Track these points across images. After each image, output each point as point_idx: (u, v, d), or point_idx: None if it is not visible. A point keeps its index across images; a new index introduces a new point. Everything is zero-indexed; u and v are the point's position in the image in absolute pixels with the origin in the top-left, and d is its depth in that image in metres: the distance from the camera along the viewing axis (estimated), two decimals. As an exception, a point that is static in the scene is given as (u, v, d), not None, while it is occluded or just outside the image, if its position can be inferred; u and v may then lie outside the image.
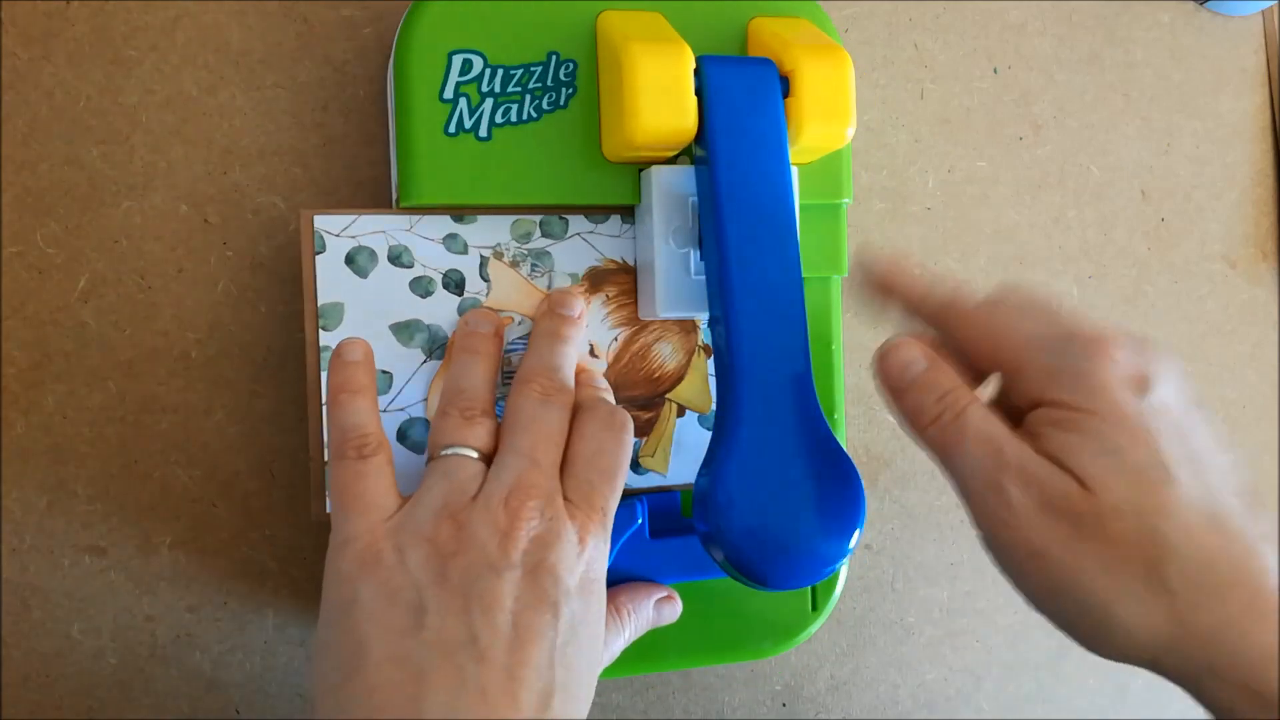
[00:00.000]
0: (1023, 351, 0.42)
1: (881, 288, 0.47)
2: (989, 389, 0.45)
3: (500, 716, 0.38)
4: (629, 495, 0.51)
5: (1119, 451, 0.39)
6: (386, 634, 0.39)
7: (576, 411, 0.47)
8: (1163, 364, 0.41)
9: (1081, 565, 0.39)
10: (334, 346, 0.47)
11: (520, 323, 0.50)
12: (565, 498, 0.43)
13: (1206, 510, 0.38)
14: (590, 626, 0.42)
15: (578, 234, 0.50)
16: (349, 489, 0.42)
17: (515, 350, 0.49)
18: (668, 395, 0.52)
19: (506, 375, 0.49)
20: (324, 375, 0.47)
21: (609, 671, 0.52)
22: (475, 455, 0.43)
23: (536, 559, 0.41)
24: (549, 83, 0.48)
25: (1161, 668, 0.39)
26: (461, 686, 0.38)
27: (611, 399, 0.50)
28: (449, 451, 0.43)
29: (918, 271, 0.46)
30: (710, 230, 0.47)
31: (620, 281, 0.51)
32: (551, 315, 0.48)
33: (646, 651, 0.52)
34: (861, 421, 0.61)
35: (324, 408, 0.46)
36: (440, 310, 0.49)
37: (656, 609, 0.50)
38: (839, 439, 0.54)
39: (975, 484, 0.41)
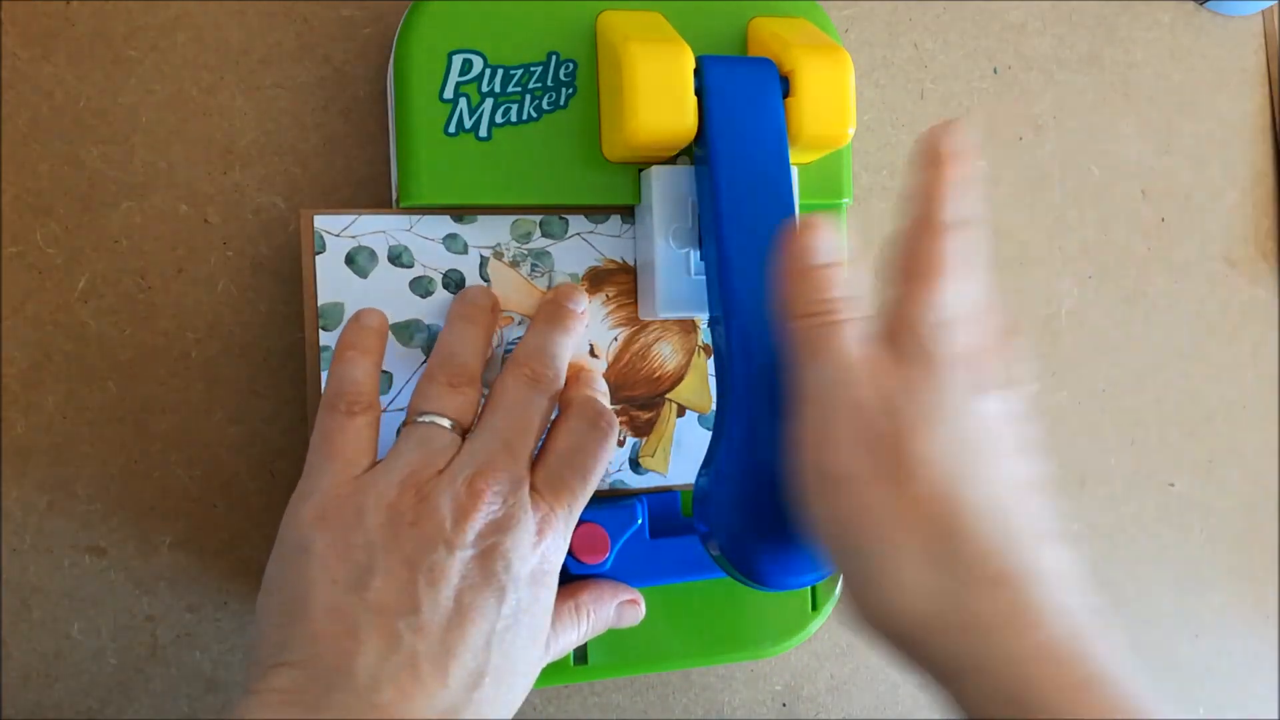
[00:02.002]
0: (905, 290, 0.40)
1: (928, 162, 0.42)
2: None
3: (426, 687, 0.39)
4: (629, 495, 0.52)
5: (947, 418, 0.38)
6: (332, 586, 0.40)
7: (566, 406, 0.47)
8: (1018, 388, 0.41)
9: (877, 509, 0.37)
10: (333, 347, 0.47)
11: (520, 322, 0.50)
12: (533, 488, 0.43)
13: (1006, 509, 0.38)
14: (535, 618, 0.42)
15: (578, 234, 0.50)
16: (329, 439, 0.43)
17: (512, 350, 0.49)
18: (668, 395, 0.52)
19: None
20: (324, 375, 0.47)
21: (608, 671, 0.52)
22: (451, 426, 0.44)
23: (490, 542, 0.41)
24: (549, 83, 0.48)
25: (919, 651, 0.38)
26: (394, 651, 0.39)
27: (608, 402, 0.50)
28: (426, 419, 0.44)
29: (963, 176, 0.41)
30: (710, 230, 0.47)
31: (620, 281, 0.51)
32: (555, 304, 0.48)
33: (647, 651, 0.52)
34: (861, 421, 0.61)
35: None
36: (440, 310, 0.49)
37: (618, 611, 0.50)
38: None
39: (814, 398, 0.40)
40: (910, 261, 0.40)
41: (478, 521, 0.41)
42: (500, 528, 0.42)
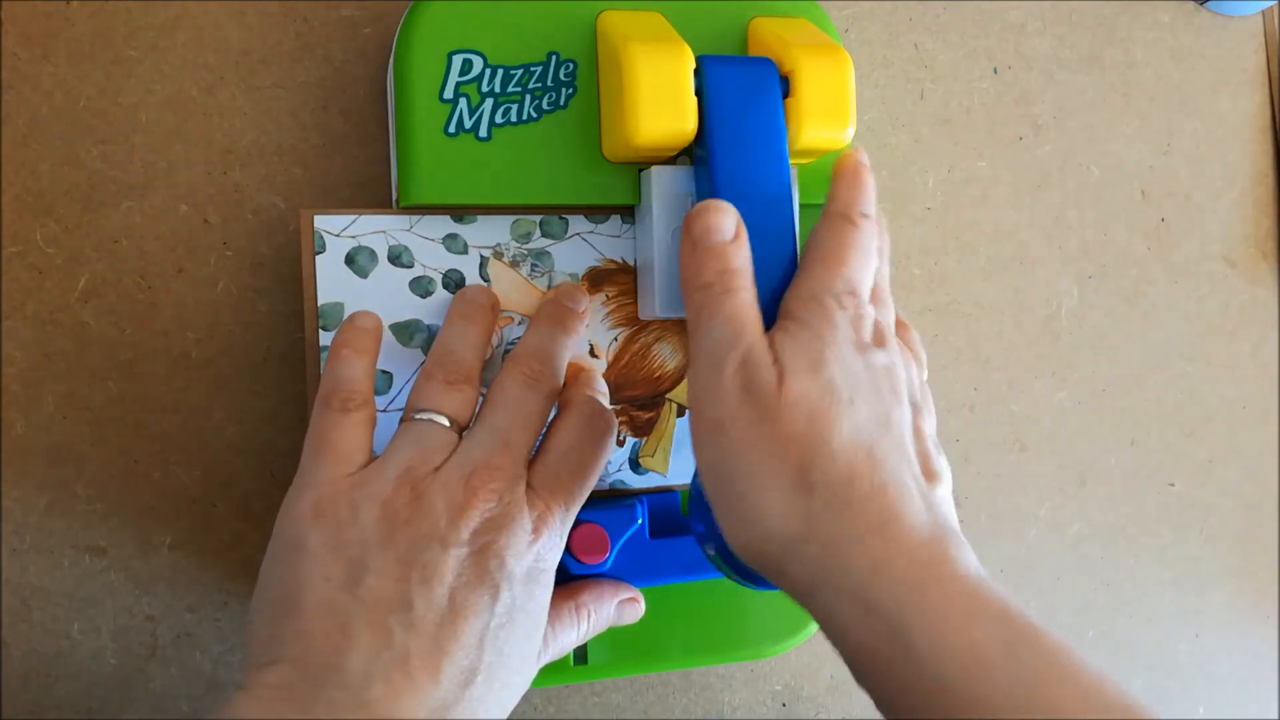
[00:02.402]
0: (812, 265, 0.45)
1: (843, 172, 0.48)
2: None
3: (418, 684, 0.39)
4: (629, 495, 0.52)
5: (819, 367, 0.41)
6: (325, 583, 0.40)
7: (564, 405, 0.47)
8: (905, 353, 0.45)
9: (750, 446, 0.41)
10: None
11: (520, 322, 0.50)
12: (530, 486, 0.44)
13: (867, 443, 0.41)
14: (529, 616, 0.42)
15: (578, 234, 0.50)
16: (324, 436, 0.43)
17: (512, 349, 0.49)
18: (668, 395, 0.52)
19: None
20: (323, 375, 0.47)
21: (608, 671, 0.52)
22: (448, 424, 0.44)
23: (485, 540, 0.41)
24: (549, 83, 0.48)
25: (785, 572, 0.41)
26: (386, 648, 0.39)
27: (608, 402, 0.50)
28: (423, 415, 0.44)
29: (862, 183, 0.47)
30: None
31: (620, 281, 0.51)
32: (556, 304, 0.48)
33: (647, 651, 0.52)
34: (861, 421, 0.61)
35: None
36: (440, 310, 0.49)
37: (619, 609, 0.50)
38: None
39: (705, 355, 0.43)
40: (820, 248, 0.45)
41: (473, 519, 0.41)
42: (495, 526, 0.42)
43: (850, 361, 0.42)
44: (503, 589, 0.41)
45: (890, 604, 0.38)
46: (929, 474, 0.43)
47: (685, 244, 0.44)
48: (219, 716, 0.38)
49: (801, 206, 0.51)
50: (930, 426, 0.46)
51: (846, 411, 0.41)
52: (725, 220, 0.44)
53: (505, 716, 0.42)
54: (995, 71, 0.63)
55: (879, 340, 0.43)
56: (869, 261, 0.45)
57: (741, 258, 0.44)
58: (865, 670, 0.39)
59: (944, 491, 0.43)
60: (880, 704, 0.40)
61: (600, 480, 0.52)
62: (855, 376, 0.42)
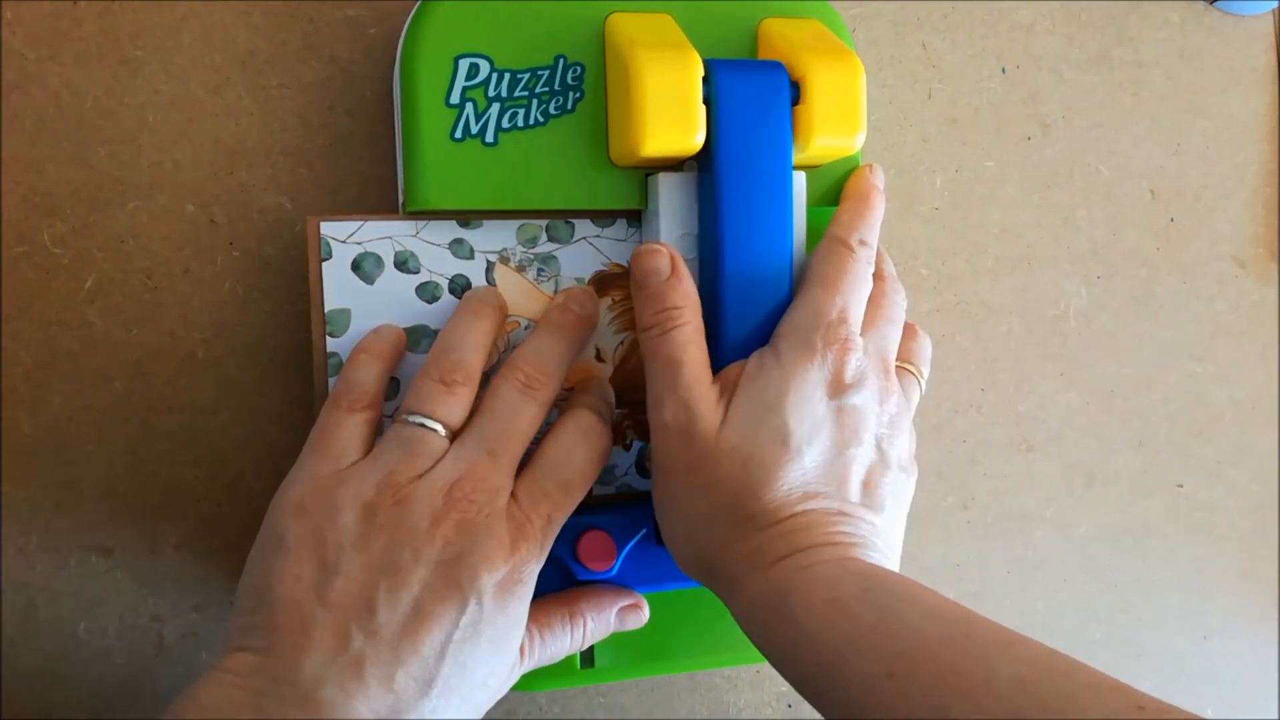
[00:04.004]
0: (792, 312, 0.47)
1: (850, 195, 0.51)
2: None
3: (369, 690, 0.40)
4: (635, 501, 0.51)
5: (773, 411, 0.44)
6: (295, 582, 0.41)
7: (563, 414, 0.47)
8: (889, 383, 0.47)
9: (684, 489, 0.45)
10: (340, 353, 0.47)
11: (526, 327, 0.50)
12: (514, 496, 0.44)
13: (803, 486, 0.44)
14: (499, 630, 0.43)
15: (584, 238, 0.50)
16: (324, 432, 0.44)
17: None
18: (674, 398, 0.52)
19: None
20: (331, 381, 0.47)
21: (615, 674, 0.52)
22: (440, 431, 0.44)
23: (458, 550, 0.42)
24: (556, 87, 0.48)
25: (709, 579, 0.46)
26: (342, 652, 0.40)
27: (613, 409, 0.50)
28: (415, 419, 0.44)
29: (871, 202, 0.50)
30: (709, 236, 0.47)
31: (626, 286, 0.51)
32: (562, 310, 0.48)
33: (653, 654, 0.52)
34: (868, 422, 0.61)
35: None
36: (446, 316, 0.48)
37: (620, 616, 0.50)
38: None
39: (650, 396, 0.46)
40: (817, 271, 0.47)
41: (448, 529, 0.42)
42: (470, 536, 0.42)
43: (814, 405, 0.45)
44: (470, 601, 0.41)
45: (781, 587, 0.42)
46: (873, 506, 0.46)
47: (632, 289, 0.48)
48: (189, 693, 0.39)
49: (810, 209, 0.50)
50: (898, 451, 0.48)
51: (792, 460, 0.44)
52: (660, 261, 0.46)
53: None
54: (1003, 71, 0.63)
55: (857, 380, 0.46)
56: (862, 287, 0.47)
57: (679, 293, 0.46)
58: (764, 644, 0.43)
59: (885, 520, 0.46)
60: (778, 666, 0.43)
61: (607, 483, 0.52)
62: (816, 421, 0.45)
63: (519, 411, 0.45)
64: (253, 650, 0.40)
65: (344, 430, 0.44)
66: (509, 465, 0.44)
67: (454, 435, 0.44)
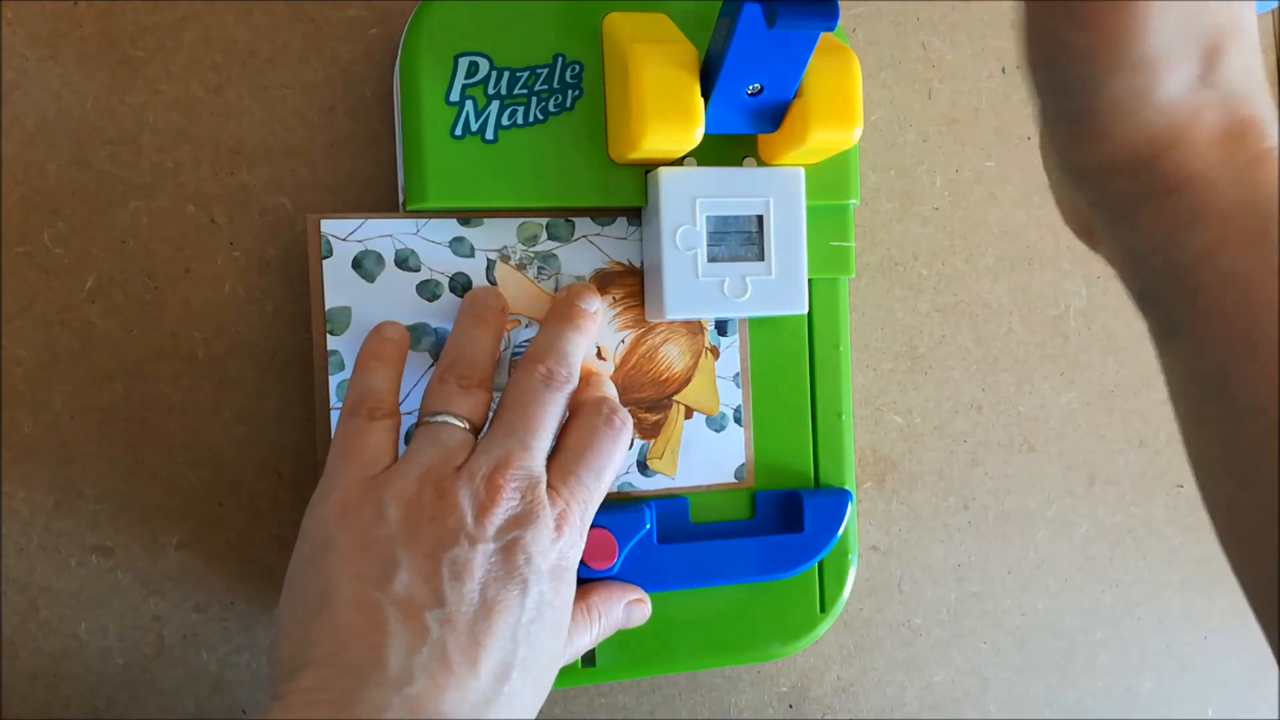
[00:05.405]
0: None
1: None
2: None
3: (459, 678, 0.39)
4: (637, 500, 0.51)
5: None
6: (357, 580, 0.40)
7: (578, 406, 0.47)
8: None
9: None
10: (341, 350, 0.47)
11: (527, 325, 0.50)
12: (549, 484, 0.44)
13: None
14: (557, 612, 0.43)
15: (584, 236, 0.50)
16: (350, 442, 0.44)
17: (520, 354, 0.49)
18: (675, 397, 0.52)
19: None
20: (331, 379, 0.47)
21: (616, 673, 0.52)
22: (465, 426, 0.44)
23: (511, 536, 0.42)
24: (555, 85, 0.48)
25: (1137, 176, 0.36)
26: (425, 643, 0.39)
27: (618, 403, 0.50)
28: (439, 419, 0.44)
29: None
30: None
31: (627, 284, 0.51)
32: (568, 303, 0.48)
33: (655, 654, 0.52)
34: (869, 422, 0.61)
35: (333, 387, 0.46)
36: (447, 314, 0.49)
37: (627, 610, 0.50)
38: (846, 439, 0.54)
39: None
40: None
41: (498, 516, 0.42)
42: (520, 522, 0.42)
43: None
44: (532, 584, 0.41)
45: None
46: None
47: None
48: None
49: (809, 207, 0.50)
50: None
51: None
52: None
53: (534, 717, 0.43)
54: (1004, 71, 0.63)
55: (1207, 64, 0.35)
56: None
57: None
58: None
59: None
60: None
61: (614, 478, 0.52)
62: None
63: (544, 402, 0.45)
64: (319, 662, 0.38)
65: (371, 436, 0.44)
66: (540, 454, 0.44)
67: (477, 432, 0.45)
